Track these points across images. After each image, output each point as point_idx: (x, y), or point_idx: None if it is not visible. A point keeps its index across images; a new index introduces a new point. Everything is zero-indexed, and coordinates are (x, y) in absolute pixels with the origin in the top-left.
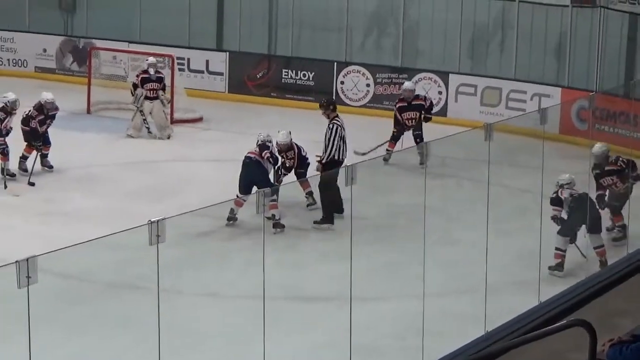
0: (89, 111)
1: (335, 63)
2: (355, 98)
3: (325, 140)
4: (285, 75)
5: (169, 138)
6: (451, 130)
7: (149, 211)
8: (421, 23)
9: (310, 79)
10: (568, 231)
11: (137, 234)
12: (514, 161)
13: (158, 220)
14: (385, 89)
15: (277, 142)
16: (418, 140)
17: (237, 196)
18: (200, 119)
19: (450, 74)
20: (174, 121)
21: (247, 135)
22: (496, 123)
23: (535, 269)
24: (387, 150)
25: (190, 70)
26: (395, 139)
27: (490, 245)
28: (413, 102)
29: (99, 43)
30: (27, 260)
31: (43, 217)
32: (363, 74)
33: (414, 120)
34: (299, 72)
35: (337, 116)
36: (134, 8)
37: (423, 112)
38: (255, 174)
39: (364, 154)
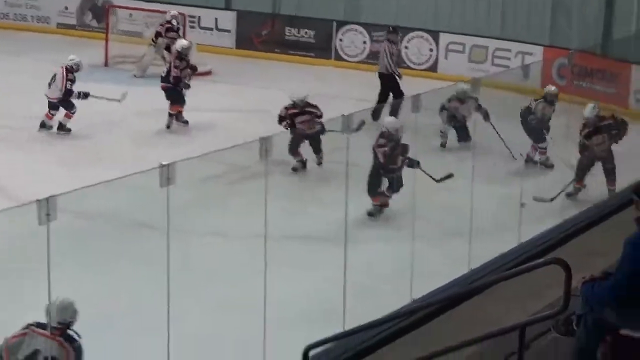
0: (106, 64)
1: (335, 22)
2: (353, 54)
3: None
4: (288, 32)
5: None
6: (441, 85)
7: (161, 156)
8: None
9: (312, 36)
10: None
11: (149, 176)
12: (499, 113)
13: (169, 164)
14: (380, 46)
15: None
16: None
17: None
18: (209, 73)
19: (440, 33)
20: None
21: (253, 87)
22: (482, 78)
23: (517, 212)
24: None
25: (201, 28)
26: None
27: (476, 191)
28: None
29: (116, 1)
30: (47, 199)
31: (63, 161)
32: (360, 32)
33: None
34: (300, 30)
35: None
36: None
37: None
38: None
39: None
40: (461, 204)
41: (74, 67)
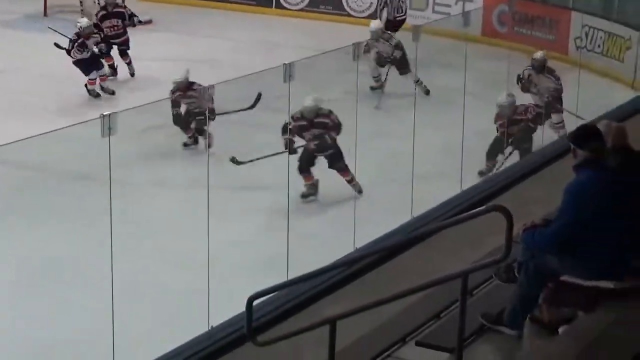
0: (45, 14)
1: None
2: (294, 2)
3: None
4: None
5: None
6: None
7: (102, 107)
8: None
9: None
10: None
11: (90, 127)
12: (440, 60)
13: (110, 114)
14: None
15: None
16: None
17: None
18: (149, 22)
19: None
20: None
21: (194, 36)
22: (423, 25)
23: (458, 160)
24: None
25: None
26: None
27: (418, 138)
28: None
29: None
30: None
31: (5, 113)
32: None
33: None
34: None
35: None
36: None
37: None
38: None
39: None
40: (403, 150)
41: (80, 30)
